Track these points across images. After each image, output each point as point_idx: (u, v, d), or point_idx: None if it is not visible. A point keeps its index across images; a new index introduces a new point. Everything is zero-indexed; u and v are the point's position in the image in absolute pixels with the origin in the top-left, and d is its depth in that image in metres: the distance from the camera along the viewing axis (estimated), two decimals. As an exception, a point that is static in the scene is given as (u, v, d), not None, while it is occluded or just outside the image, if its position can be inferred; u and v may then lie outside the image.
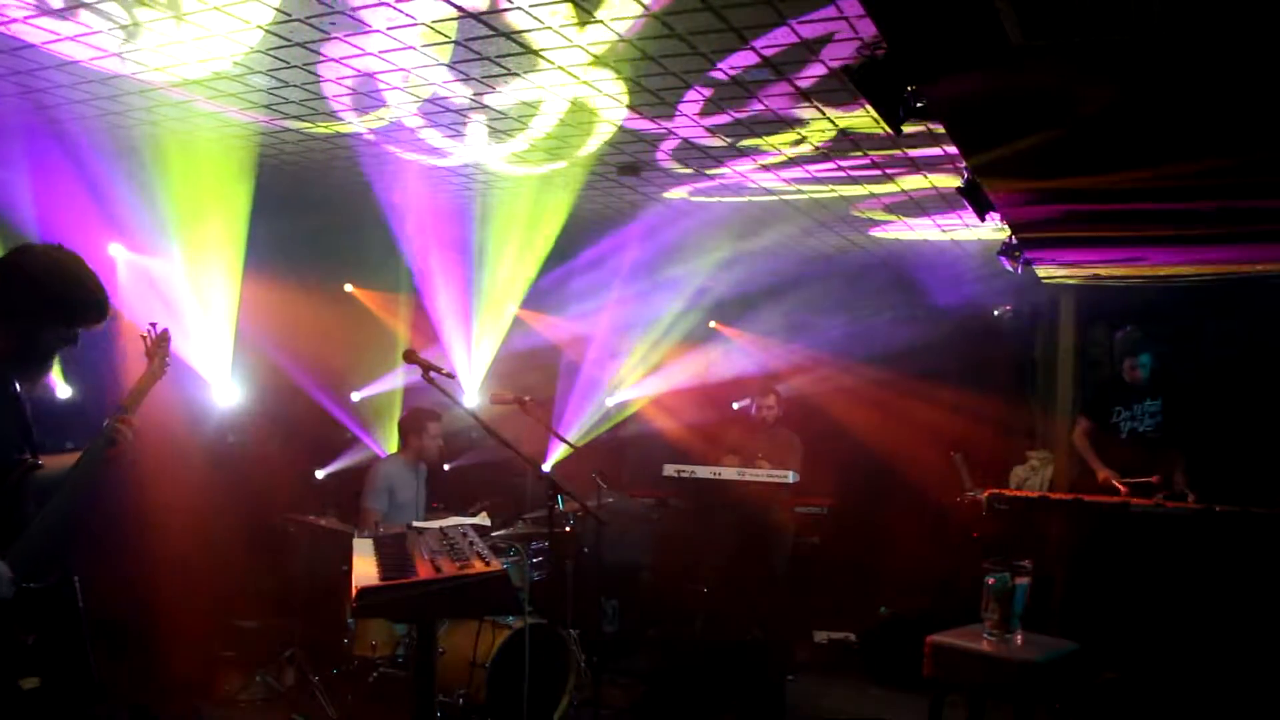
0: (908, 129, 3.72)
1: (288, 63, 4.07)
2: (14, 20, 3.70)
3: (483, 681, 4.68)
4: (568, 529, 5.79)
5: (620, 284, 8.10)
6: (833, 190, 5.89)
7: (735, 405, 8.10)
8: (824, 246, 7.68)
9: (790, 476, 6.43)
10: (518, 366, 8.02)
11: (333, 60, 4.03)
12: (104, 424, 2.83)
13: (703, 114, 4.54)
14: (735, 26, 3.51)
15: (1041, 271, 6.89)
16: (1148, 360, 6.00)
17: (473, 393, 7.57)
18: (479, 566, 3.02)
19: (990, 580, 4.08)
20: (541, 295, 7.95)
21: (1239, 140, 3.66)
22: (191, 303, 6.17)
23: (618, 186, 6.06)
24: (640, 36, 3.64)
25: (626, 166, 5.57)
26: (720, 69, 3.94)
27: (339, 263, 7.39)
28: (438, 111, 4.70)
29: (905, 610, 6.55)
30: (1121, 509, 5.43)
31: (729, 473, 6.55)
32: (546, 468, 6.87)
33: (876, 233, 7.15)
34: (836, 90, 4.10)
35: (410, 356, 3.87)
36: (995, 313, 8.19)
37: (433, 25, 3.62)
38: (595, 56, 3.86)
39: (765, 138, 4.86)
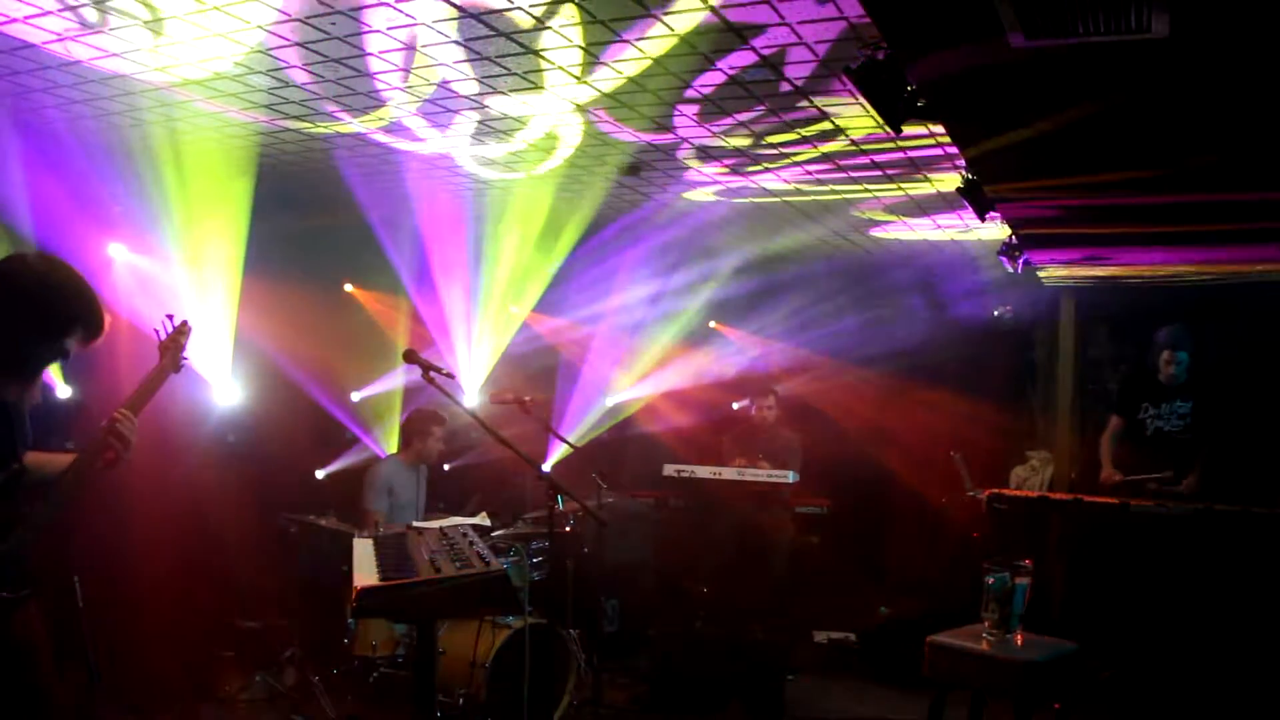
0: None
1: (288, 63, 4.08)
2: (14, 20, 3.70)
3: (483, 681, 4.68)
4: (568, 529, 5.79)
5: (620, 284, 8.10)
6: (834, 190, 5.89)
7: (735, 405, 8.10)
8: (824, 246, 7.69)
9: (790, 476, 6.43)
10: (518, 367, 8.01)
11: (332, 59, 4.03)
12: (103, 425, 2.71)
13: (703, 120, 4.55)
14: (733, 25, 3.52)
15: (1041, 271, 6.89)
16: (1185, 359, 5.89)
17: (473, 393, 7.57)
18: (479, 566, 3.02)
19: (990, 580, 4.07)
20: (542, 295, 7.94)
21: (1240, 139, 3.66)
22: (191, 303, 6.16)
23: (618, 186, 6.07)
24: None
25: (627, 167, 5.57)
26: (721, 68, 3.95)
27: (339, 263, 7.39)
28: (438, 112, 4.70)
29: (905, 610, 6.54)
30: (1121, 509, 5.43)
31: (729, 473, 6.54)
32: (546, 468, 6.87)
33: (877, 232, 7.15)
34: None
35: (410, 356, 3.87)
36: (995, 313, 8.19)
37: (432, 25, 3.62)
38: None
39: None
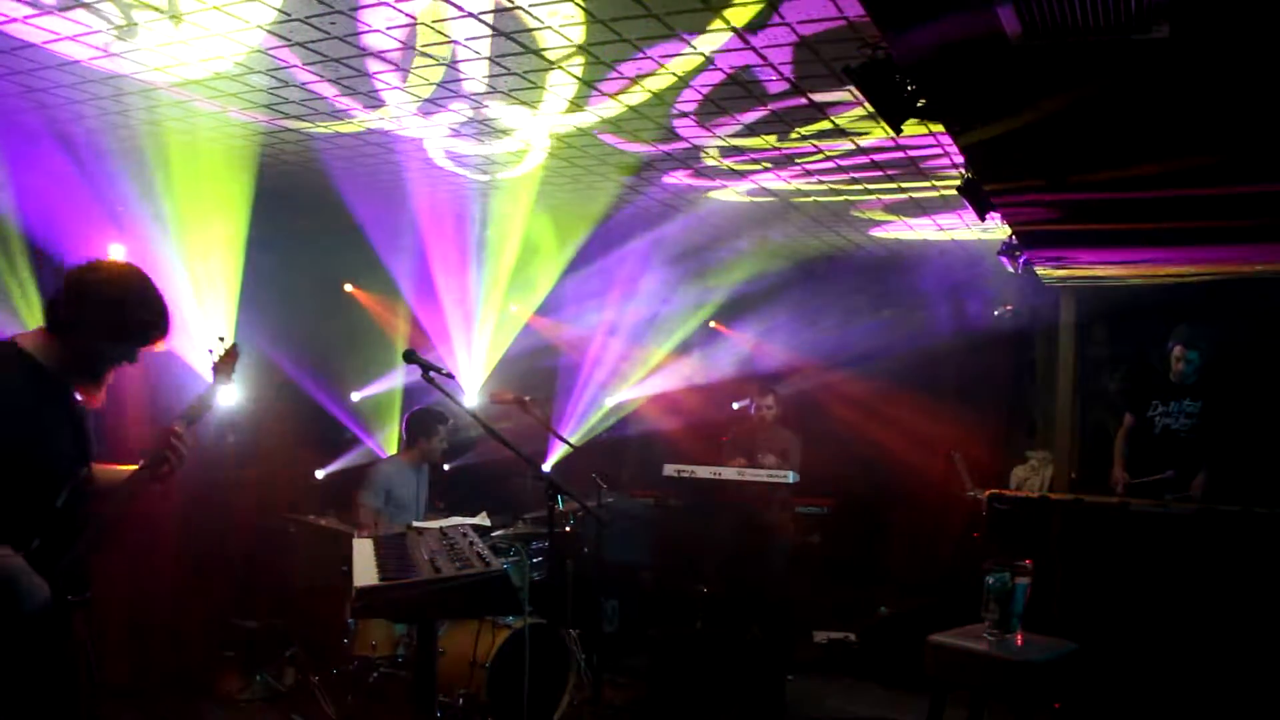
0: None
1: (288, 63, 4.08)
2: (14, 20, 3.70)
3: (483, 681, 4.67)
4: (568, 529, 5.78)
5: (619, 284, 8.09)
6: (834, 191, 5.89)
7: (735, 405, 8.09)
8: (824, 246, 7.68)
9: (790, 476, 6.43)
10: (517, 366, 8.01)
11: (333, 59, 4.03)
12: (158, 438, 2.82)
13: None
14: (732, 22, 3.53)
15: (1041, 271, 6.88)
16: (1196, 358, 5.86)
17: (473, 393, 7.57)
18: (479, 566, 3.02)
19: (990, 580, 4.07)
20: (542, 296, 7.95)
21: (1239, 138, 3.66)
22: (191, 302, 6.16)
23: (618, 186, 6.06)
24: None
25: (627, 166, 5.57)
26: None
27: (339, 263, 7.39)
28: (438, 112, 4.70)
29: (905, 610, 6.54)
30: (1121, 509, 5.43)
31: (729, 473, 6.54)
32: (546, 468, 6.86)
33: (877, 232, 7.15)
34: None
35: (410, 356, 3.86)
36: (995, 313, 8.18)
37: (432, 25, 3.62)
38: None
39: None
